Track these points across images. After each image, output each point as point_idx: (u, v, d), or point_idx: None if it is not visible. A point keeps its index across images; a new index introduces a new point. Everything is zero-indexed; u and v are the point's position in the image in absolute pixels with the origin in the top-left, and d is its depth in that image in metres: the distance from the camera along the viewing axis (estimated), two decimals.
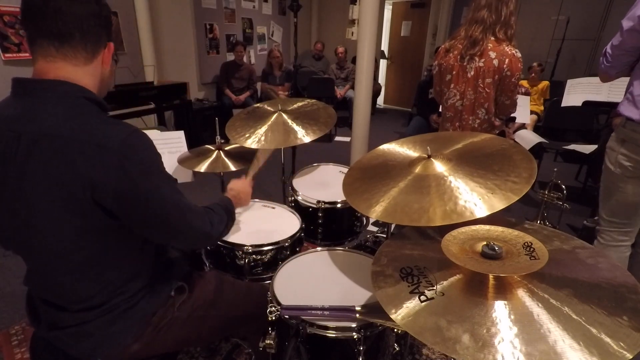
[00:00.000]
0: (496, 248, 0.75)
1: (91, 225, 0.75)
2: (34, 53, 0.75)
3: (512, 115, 3.29)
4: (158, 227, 0.81)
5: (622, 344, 0.57)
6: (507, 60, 1.71)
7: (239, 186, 1.24)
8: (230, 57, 4.87)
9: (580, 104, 3.02)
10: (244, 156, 1.62)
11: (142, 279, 0.88)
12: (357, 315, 0.90)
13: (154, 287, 0.91)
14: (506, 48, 1.72)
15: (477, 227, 0.84)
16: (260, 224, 1.39)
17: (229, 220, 1.02)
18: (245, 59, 4.79)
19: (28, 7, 0.72)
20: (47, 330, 0.86)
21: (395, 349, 1.14)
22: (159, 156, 0.79)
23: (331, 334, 0.90)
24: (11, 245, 0.83)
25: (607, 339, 0.58)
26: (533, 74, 4.21)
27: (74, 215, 0.73)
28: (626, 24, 1.32)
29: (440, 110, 2.13)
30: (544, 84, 4.35)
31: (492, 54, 1.73)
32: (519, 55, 1.73)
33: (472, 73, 1.79)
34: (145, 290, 0.89)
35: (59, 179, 0.70)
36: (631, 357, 0.56)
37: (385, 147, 1.24)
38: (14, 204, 0.74)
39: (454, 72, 1.86)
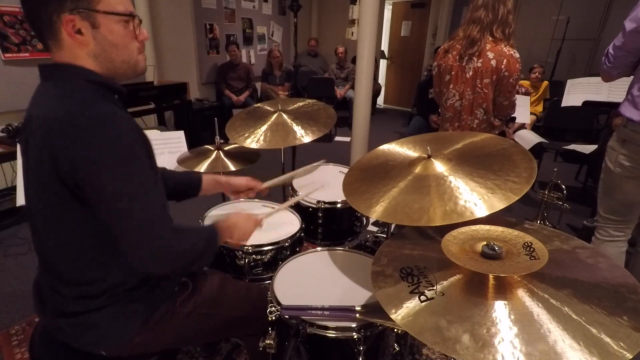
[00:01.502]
0: (496, 248, 0.75)
1: (69, 208, 0.75)
2: None
3: (512, 115, 3.29)
4: (110, 223, 0.74)
5: (622, 344, 0.57)
6: (505, 60, 1.72)
7: (239, 221, 1.04)
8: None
9: (580, 104, 3.02)
10: (244, 156, 1.62)
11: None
12: (357, 315, 0.90)
13: (158, 281, 0.90)
14: (504, 48, 1.72)
15: (477, 227, 0.84)
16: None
17: (204, 253, 0.86)
18: (244, 59, 4.78)
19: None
20: (52, 317, 0.86)
21: (395, 349, 1.14)
22: (134, 145, 0.73)
23: (331, 334, 0.90)
24: (30, 223, 0.86)
25: (607, 339, 0.58)
26: (537, 74, 4.18)
27: (54, 195, 0.74)
28: (629, 25, 1.32)
29: (439, 110, 2.14)
30: (544, 84, 4.34)
31: (490, 55, 1.73)
32: (517, 55, 1.73)
33: (471, 73, 1.80)
34: (150, 285, 0.89)
35: (41, 157, 0.72)
36: (631, 357, 0.56)
37: (385, 147, 1.24)
38: (27, 179, 0.81)
39: (453, 73, 1.86)
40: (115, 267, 0.83)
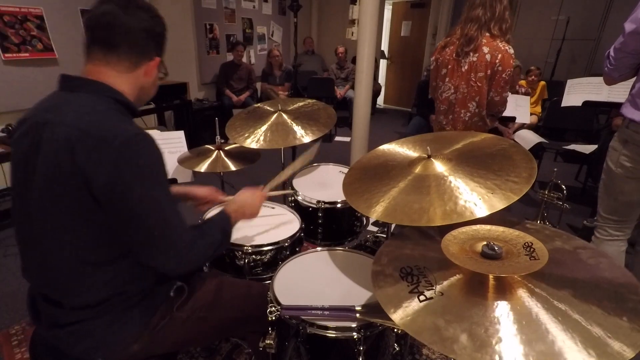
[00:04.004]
0: (496, 248, 0.74)
1: (83, 218, 0.76)
2: (85, 56, 0.83)
3: (512, 115, 3.28)
4: (137, 233, 0.78)
5: (622, 344, 0.57)
6: (499, 55, 1.75)
7: (246, 199, 1.11)
8: (230, 57, 4.87)
9: (580, 104, 3.02)
10: (244, 156, 1.63)
11: (142, 281, 0.88)
12: (357, 315, 0.90)
13: (153, 288, 0.91)
14: (500, 44, 1.76)
15: (478, 227, 0.84)
16: (260, 224, 1.39)
17: (223, 241, 0.95)
18: (245, 59, 4.78)
19: (89, 18, 0.82)
20: (47, 328, 0.86)
21: (395, 349, 1.14)
22: (159, 163, 0.79)
23: (331, 334, 0.90)
24: (18, 231, 0.85)
25: (607, 339, 0.58)
26: (533, 77, 4.19)
27: (68, 205, 0.75)
28: (628, 26, 1.32)
29: (435, 105, 2.15)
30: (540, 84, 4.34)
31: (485, 49, 1.77)
32: (512, 51, 1.77)
33: (466, 67, 1.84)
34: (145, 291, 0.89)
35: (61, 166, 0.74)
36: (631, 357, 0.56)
37: (385, 147, 1.24)
38: (27, 186, 0.78)
39: (450, 67, 1.91)
40: (118, 276, 0.83)
